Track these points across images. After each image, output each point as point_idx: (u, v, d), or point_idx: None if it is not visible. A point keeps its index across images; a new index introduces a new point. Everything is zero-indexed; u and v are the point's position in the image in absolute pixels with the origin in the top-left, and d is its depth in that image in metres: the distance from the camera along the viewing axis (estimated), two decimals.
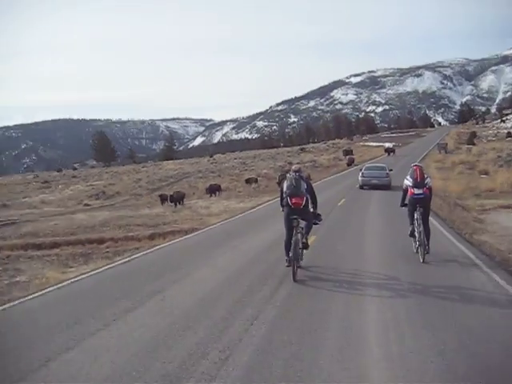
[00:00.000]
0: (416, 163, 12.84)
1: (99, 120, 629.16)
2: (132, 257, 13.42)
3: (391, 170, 34.12)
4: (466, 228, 14.63)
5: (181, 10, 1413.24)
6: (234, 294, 8.79)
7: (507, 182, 31.84)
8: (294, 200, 9.77)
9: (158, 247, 14.93)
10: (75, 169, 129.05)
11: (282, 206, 10.30)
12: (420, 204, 11.62)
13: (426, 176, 11.82)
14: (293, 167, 10.66)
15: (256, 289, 9.04)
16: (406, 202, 12.14)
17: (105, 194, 51.41)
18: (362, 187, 32.55)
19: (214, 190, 39.98)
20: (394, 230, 15.39)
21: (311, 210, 10.51)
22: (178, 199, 34.17)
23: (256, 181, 44.29)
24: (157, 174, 67.40)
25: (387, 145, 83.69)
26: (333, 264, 11.10)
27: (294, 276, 9.42)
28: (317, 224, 10.89)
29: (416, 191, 11.57)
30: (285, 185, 10.13)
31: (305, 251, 10.35)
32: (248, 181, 44.20)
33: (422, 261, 11.00)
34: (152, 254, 13.72)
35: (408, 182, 11.87)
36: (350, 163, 56.57)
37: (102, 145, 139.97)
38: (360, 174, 33.44)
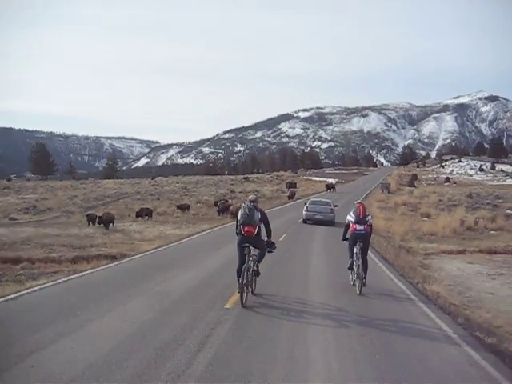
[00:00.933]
0: (359, 201, 13.10)
1: (42, 132, 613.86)
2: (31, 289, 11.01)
3: (336, 205, 33.65)
4: (415, 276, 13.56)
5: (130, 27, 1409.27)
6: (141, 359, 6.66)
7: (449, 227, 31.64)
8: (246, 229, 9.94)
9: (61, 280, 12.24)
10: (9, 180, 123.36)
11: (237, 233, 10.35)
12: (360, 239, 11.98)
13: (367, 213, 12.29)
14: (249, 197, 10.74)
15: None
16: (347, 236, 12.53)
17: (35, 208, 48.39)
18: (305, 221, 31.63)
19: (144, 213, 37.76)
20: (335, 265, 15.44)
21: (265, 238, 10.67)
22: (107, 221, 31.82)
23: (188, 207, 42.51)
24: (94, 192, 64.48)
25: (330, 181, 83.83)
26: (278, 292, 11.29)
27: (242, 302, 9.61)
28: (271, 252, 10.98)
29: (358, 227, 12.00)
30: (239, 213, 10.31)
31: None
32: (180, 207, 42.36)
33: (358, 293, 11.45)
34: (52, 288, 11.23)
35: (351, 218, 12.24)
36: (292, 196, 54.90)
37: (40, 157, 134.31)
38: (304, 207, 32.59)
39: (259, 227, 10.24)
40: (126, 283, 11.64)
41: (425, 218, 38.21)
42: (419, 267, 16.09)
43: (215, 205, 42.67)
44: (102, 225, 31.43)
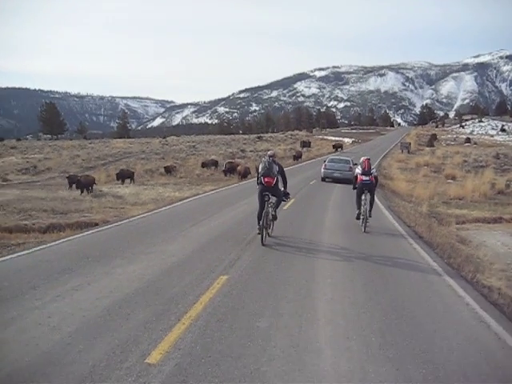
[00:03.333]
0: (365, 157, 14.89)
1: (57, 92, 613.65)
2: None
3: (355, 164, 30.69)
4: (463, 263, 10.01)
5: None
6: None
7: (478, 191, 28.50)
8: (266, 179, 11.39)
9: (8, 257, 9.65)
10: (19, 139, 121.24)
11: (257, 183, 11.84)
12: (366, 188, 14.14)
13: (372, 167, 14.39)
14: (268, 153, 12.05)
15: None
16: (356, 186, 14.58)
17: (36, 168, 46.12)
18: (323, 179, 30.80)
19: (124, 176, 34.17)
20: (345, 217, 16.34)
21: (281, 188, 12.06)
22: (85, 185, 28.13)
23: (174, 168, 39.54)
24: (99, 152, 61.98)
25: (337, 139, 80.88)
26: (292, 235, 12.64)
27: (262, 241, 11.12)
28: (285, 201, 12.70)
29: (364, 178, 14.11)
30: (260, 166, 11.64)
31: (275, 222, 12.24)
32: (167, 169, 39.14)
33: (363, 231, 13.57)
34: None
35: (358, 170, 14.49)
36: (299, 156, 50.94)
37: (50, 117, 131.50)
38: (323, 165, 31.69)
39: (277, 178, 11.60)
40: (79, 264, 8.80)
41: (450, 181, 35.12)
42: (457, 243, 13.14)
43: (203, 166, 40.32)
44: (79, 189, 28.10)
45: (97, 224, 15.94)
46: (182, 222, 14.05)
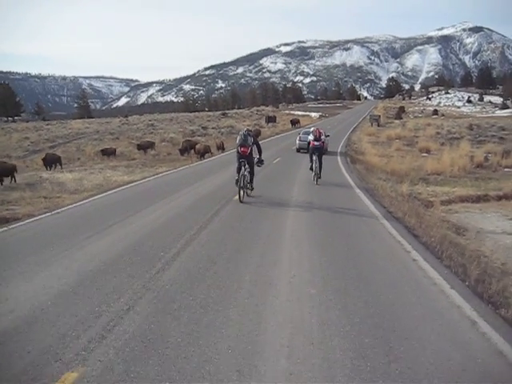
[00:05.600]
0: (316, 127, 19.99)
1: (17, 73, 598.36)
2: None
3: (328, 135, 31.63)
4: (480, 275, 6.98)
5: None
6: None
7: (456, 165, 26.28)
8: (242, 149, 13.56)
9: None
10: None
11: (237, 152, 13.83)
12: (316, 151, 17.63)
13: (322, 135, 18.10)
14: (245, 128, 15.82)
15: None
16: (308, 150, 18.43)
17: None
18: (298, 150, 31.79)
19: (50, 161, 29.86)
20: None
21: (257, 156, 14.33)
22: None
23: (114, 152, 35.60)
24: (50, 134, 58.11)
25: (297, 114, 78.05)
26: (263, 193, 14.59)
27: (240, 198, 13.06)
28: (259, 166, 14.69)
29: (315, 143, 17.77)
30: (238, 139, 13.89)
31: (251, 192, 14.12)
32: (104, 152, 34.84)
33: (315, 183, 17.30)
34: None
35: (311, 137, 18.24)
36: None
37: (5, 98, 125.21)
38: (298, 137, 32.75)
39: (251, 148, 13.60)
40: None
41: (424, 154, 33.03)
42: (453, 234, 10.61)
43: (139, 148, 36.37)
44: None
45: (18, 219, 13.03)
46: (114, 213, 11.34)
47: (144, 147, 35.97)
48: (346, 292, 6.33)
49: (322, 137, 18.07)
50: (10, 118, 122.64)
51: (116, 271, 7.04)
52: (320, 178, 17.31)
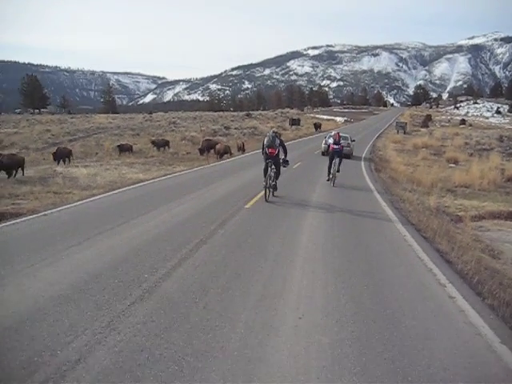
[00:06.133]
0: (336, 131, 22.57)
1: (47, 66, 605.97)
2: None
3: (354, 140, 34.17)
4: None
5: None
6: None
7: (486, 177, 25.02)
8: (270, 150, 14.09)
9: None
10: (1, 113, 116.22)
11: (262, 153, 14.62)
12: (336, 154, 18.75)
13: (341, 139, 19.80)
14: (272, 129, 16.66)
15: None
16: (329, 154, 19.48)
17: (1, 143, 42.01)
18: (323, 154, 31.62)
19: (61, 155, 28.70)
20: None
21: (282, 157, 14.80)
22: (8, 166, 22.34)
23: (131, 148, 34.72)
24: (73, 127, 57.96)
25: (326, 117, 77.03)
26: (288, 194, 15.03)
27: (265, 197, 13.60)
28: (285, 167, 15.18)
29: (335, 147, 18.97)
30: (265, 140, 14.40)
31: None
32: (120, 147, 34.10)
33: (332, 185, 17.98)
34: None
35: (330, 140, 19.85)
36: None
37: (32, 90, 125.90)
38: (324, 141, 32.13)
39: (278, 150, 14.33)
40: None
41: (452, 165, 31.77)
42: (487, 256, 9.55)
43: (153, 144, 35.87)
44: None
45: (21, 214, 12.34)
46: (108, 218, 10.41)
47: (158, 145, 35.29)
48: (366, 342, 5.03)
49: (342, 141, 19.96)
50: (36, 110, 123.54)
51: (81, 299, 5.71)
52: (339, 171, 18.71)
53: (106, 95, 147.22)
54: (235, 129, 53.27)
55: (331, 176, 18.31)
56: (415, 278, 7.30)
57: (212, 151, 31.23)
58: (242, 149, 32.80)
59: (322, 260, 7.99)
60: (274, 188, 14.31)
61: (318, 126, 63.89)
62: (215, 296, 6.06)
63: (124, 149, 33.72)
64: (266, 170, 13.98)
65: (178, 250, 7.92)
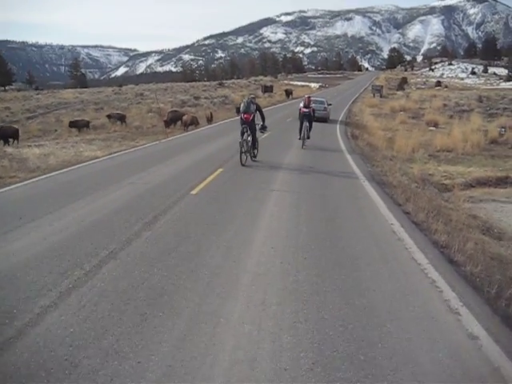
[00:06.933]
0: (307, 95, 23.65)
1: (13, 42, 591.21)
2: None
3: (330, 104, 34.42)
4: None
5: None
6: None
7: (470, 140, 23.60)
8: (245, 115, 14.29)
9: None
10: None
11: (240, 118, 14.62)
12: (306, 117, 19.54)
13: (312, 103, 20.64)
14: (250, 96, 16.27)
15: None
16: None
17: None
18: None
19: (5, 135, 26.30)
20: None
21: (260, 123, 15.10)
22: None
23: (87, 125, 31.48)
24: (37, 103, 55.35)
25: (300, 84, 74.93)
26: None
27: (241, 162, 13.82)
28: (262, 132, 15.65)
29: (305, 110, 19.81)
30: (241, 106, 14.82)
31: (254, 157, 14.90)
32: (73, 124, 31.19)
33: (302, 147, 18.64)
34: None
35: (301, 104, 20.50)
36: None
37: None
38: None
39: (254, 115, 14.49)
40: None
41: (432, 128, 30.37)
42: (488, 238, 7.96)
43: (108, 118, 33.55)
44: None
45: None
46: (38, 206, 8.64)
47: (114, 118, 33.06)
48: None
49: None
50: (1, 87, 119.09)
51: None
52: (309, 138, 19.30)
53: (73, 69, 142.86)
54: (205, 98, 51.10)
55: (301, 138, 19.14)
56: (417, 300, 5.11)
57: (179, 123, 29.38)
58: (209, 119, 31.05)
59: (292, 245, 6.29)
60: (253, 154, 14.75)
61: (289, 93, 61.54)
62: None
63: (78, 125, 31.18)
64: (242, 134, 14.15)
65: (65, 277, 5.34)
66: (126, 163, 15.08)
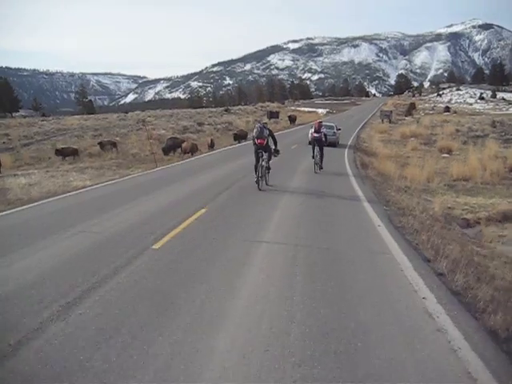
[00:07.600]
0: (318, 120, 23.82)
1: (25, 69, 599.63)
2: None
3: (340, 129, 34.65)
4: None
5: None
6: None
7: (488, 168, 21.95)
8: (259, 140, 14.62)
9: None
10: None
11: (253, 144, 14.99)
12: (317, 142, 19.53)
13: (322, 128, 20.11)
14: (263, 121, 17.23)
15: None
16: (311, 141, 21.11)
17: None
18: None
19: None
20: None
21: (273, 147, 15.47)
22: None
23: (76, 153, 30.24)
24: (39, 129, 54.32)
25: (308, 110, 73.82)
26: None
27: (258, 187, 14.20)
28: (276, 156, 15.85)
29: (315, 135, 19.82)
30: (254, 131, 15.13)
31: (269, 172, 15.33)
32: (60, 152, 29.75)
33: (315, 172, 18.90)
34: None
35: (311, 129, 21.31)
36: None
37: (1, 93, 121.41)
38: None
39: (267, 139, 14.79)
40: None
41: (445, 155, 28.79)
42: None
43: (100, 146, 31.94)
44: None
45: None
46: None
47: (107, 145, 31.58)
48: None
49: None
50: (8, 114, 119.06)
51: None
52: (322, 168, 19.03)
53: (80, 96, 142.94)
54: (208, 125, 49.82)
55: (314, 163, 19.29)
56: None
57: (179, 150, 28.01)
58: (210, 146, 29.75)
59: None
60: (268, 168, 15.02)
61: (292, 119, 59.81)
62: None
63: (65, 153, 29.65)
64: (257, 162, 14.55)
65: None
66: (96, 200, 13.19)
